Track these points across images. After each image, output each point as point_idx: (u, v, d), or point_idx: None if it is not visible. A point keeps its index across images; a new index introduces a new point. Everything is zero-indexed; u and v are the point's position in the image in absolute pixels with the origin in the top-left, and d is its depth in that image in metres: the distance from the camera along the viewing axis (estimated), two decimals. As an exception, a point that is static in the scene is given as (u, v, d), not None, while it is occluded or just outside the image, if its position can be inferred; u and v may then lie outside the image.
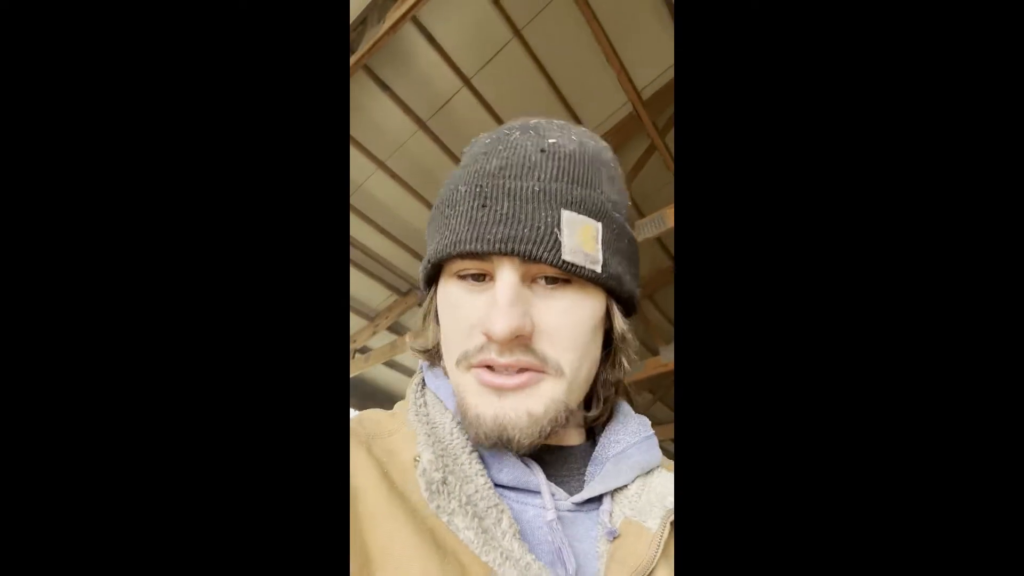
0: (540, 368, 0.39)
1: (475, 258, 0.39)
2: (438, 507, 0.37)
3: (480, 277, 0.41)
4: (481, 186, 0.40)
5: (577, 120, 3.13)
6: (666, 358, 2.85)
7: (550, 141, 0.41)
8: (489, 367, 0.39)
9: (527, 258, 0.38)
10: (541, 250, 0.38)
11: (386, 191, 3.30)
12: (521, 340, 0.38)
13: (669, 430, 4.34)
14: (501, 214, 0.38)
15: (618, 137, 3.21)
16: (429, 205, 3.35)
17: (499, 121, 3.03)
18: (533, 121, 0.45)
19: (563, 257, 0.38)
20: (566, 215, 0.38)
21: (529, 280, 0.40)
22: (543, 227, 0.38)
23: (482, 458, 0.41)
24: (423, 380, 0.48)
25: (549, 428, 0.39)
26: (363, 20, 2.55)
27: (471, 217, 0.39)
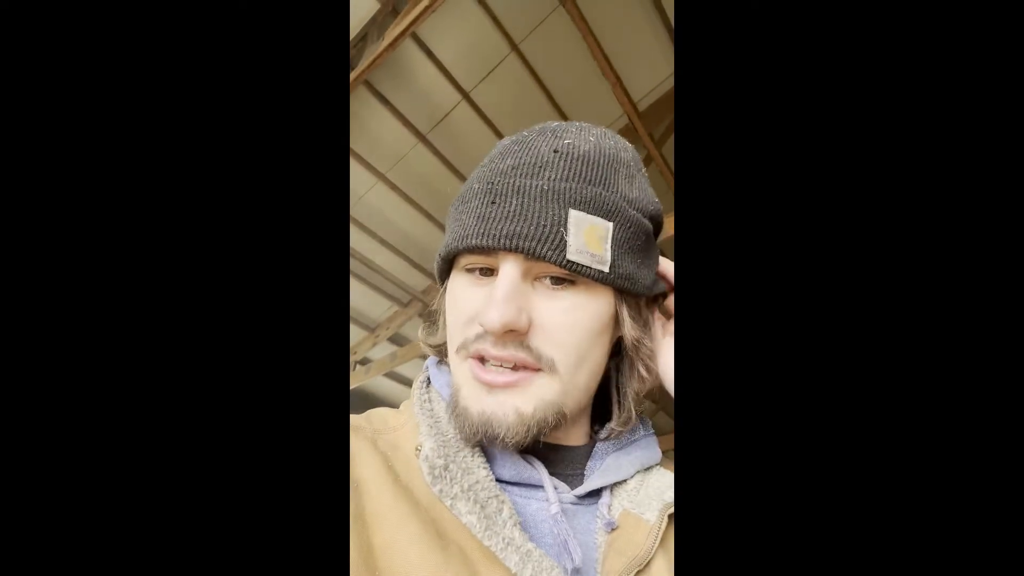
0: (533, 365, 0.39)
1: (482, 253, 0.40)
2: (441, 491, 0.37)
3: (487, 272, 0.41)
4: (492, 183, 0.41)
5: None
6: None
7: (565, 142, 0.42)
8: (482, 359, 0.39)
9: (531, 255, 0.38)
10: (545, 248, 0.38)
11: (387, 203, 3.32)
12: (516, 335, 0.39)
13: (671, 440, 4.31)
14: (509, 211, 0.39)
15: (615, 148, 3.23)
16: (429, 216, 3.37)
17: (498, 133, 3.06)
18: (555, 124, 0.45)
19: (568, 256, 0.38)
20: (574, 215, 0.39)
21: (533, 278, 0.40)
22: (549, 226, 0.38)
23: (485, 453, 0.41)
24: (428, 378, 0.48)
25: (537, 429, 0.38)
26: (363, 37, 2.59)
27: (480, 213, 0.40)
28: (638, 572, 0.39)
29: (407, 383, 4.28)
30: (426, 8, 2.08)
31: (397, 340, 3.99)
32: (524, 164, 0.41)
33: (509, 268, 0.39)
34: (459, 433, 0.41)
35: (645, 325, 0.44)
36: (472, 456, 0.41)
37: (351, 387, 4.05)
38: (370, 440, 0.42)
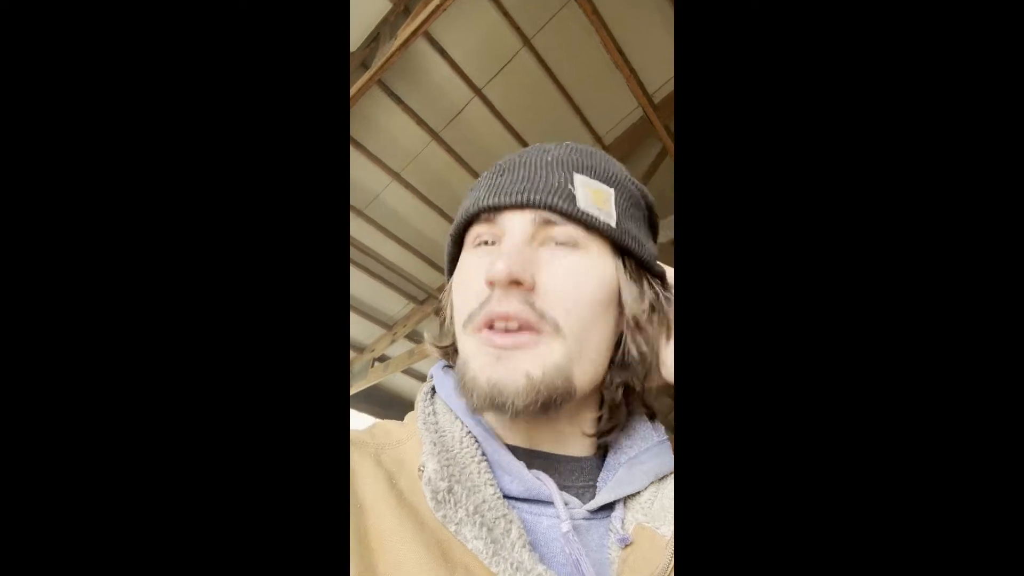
0: (536, 326, 0.38)
1: (491, 222, 0.43)
2: (444, 517, 0.36)
3: (496, 244, 0.43)
4: (500, 164, 0.46)
5: (589, 125, 3.15)
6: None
7: (565, 143, 0.46)
8: (490, 326, 0.39)
9: (542, 207, 0.40)
10: (556, 199, 0.40)
11: (402, 201, 3.35)
12: (521, 289, 0.39)
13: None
14: (518, 177, 0.43)
15: (630, 142, 3.22)
16: (444, 214, 3.39)
17: (511, 130, 3.06)
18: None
19: (578, 206, 0.40)
20: (579, 177, 0.42)
21: (539, 243, 0.41)
22: (557, 184, 0.41)
23: (491, 468, 0.40)
24: (432, 388, 0.47)
25: (547, 394, 0.38)
26: (375, 37, 2.61)
27: (490, 183, 0.44)
28: None
29: (424, 379, 4.31)
30: (438, 6, 2.09)
31: (414, 337, 4.03)
32: (529, 152, 0.46)
33: (516, 227, 0.41)
34: (468, 407, 0.41)
35: (650, 309, 0.43)
36: (478, 472, 0.39)
37: (370, 384, 4.10)
38: (373, 457, 0.41)
